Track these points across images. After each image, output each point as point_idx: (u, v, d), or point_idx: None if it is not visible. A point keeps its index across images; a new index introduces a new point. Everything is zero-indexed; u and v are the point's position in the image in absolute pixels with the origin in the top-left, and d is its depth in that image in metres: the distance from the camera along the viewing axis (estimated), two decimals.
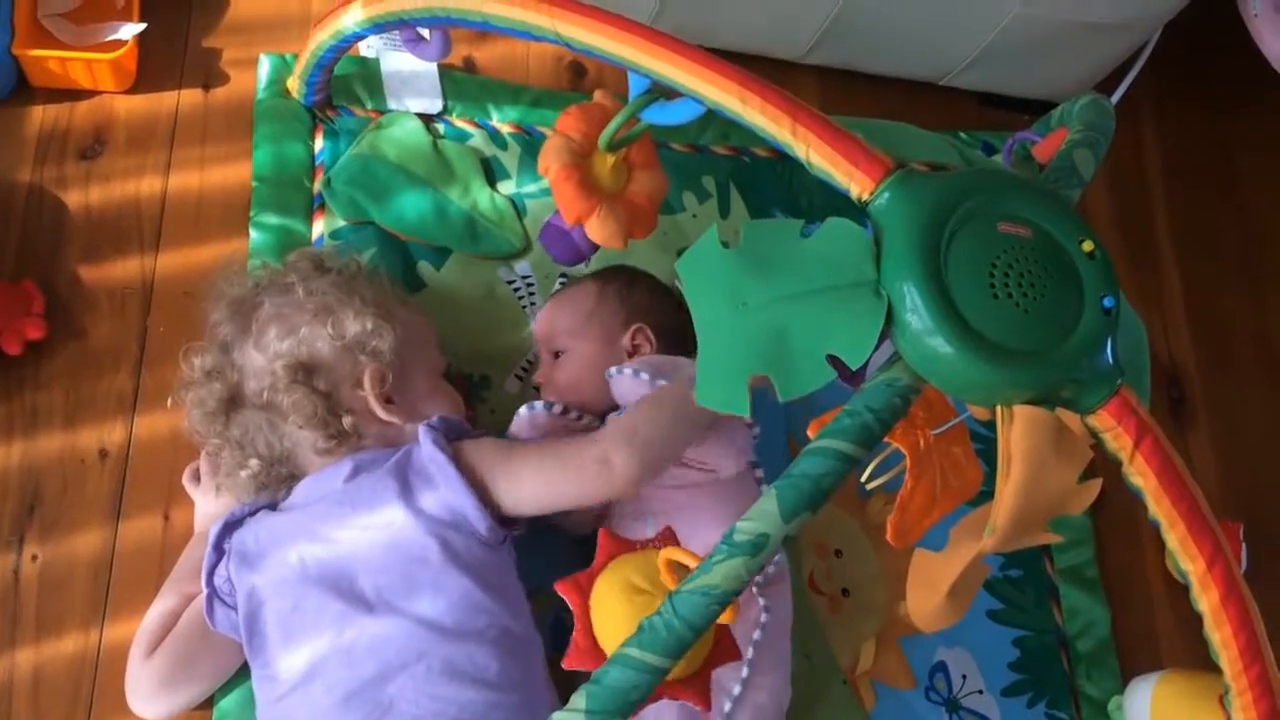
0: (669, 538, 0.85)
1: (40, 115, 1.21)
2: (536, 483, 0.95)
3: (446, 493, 0.93)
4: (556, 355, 1.12)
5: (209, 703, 1.01)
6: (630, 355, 1.10)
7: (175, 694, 0.98)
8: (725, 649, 0.81)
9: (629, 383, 1.03)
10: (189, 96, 1.25)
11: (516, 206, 1.27)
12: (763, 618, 1.01)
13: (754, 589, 1.01)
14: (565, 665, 0.80)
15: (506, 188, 1.28)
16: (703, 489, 1.04)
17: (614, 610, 0.79)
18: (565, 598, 0.82)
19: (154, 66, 1.25)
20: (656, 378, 1.02)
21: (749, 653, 0.99)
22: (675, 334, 1.10)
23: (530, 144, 1.30)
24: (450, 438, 0.96)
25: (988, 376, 0.74)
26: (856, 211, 0.80)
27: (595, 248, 1.05)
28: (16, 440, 1.08)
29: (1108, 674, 1.24)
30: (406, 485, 0.94)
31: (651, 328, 1.11)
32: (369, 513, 0.93)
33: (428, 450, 0.94)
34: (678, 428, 0.98)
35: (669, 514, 1.01)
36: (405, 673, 0.89)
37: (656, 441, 0.96)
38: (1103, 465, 0.79)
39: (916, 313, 0.74)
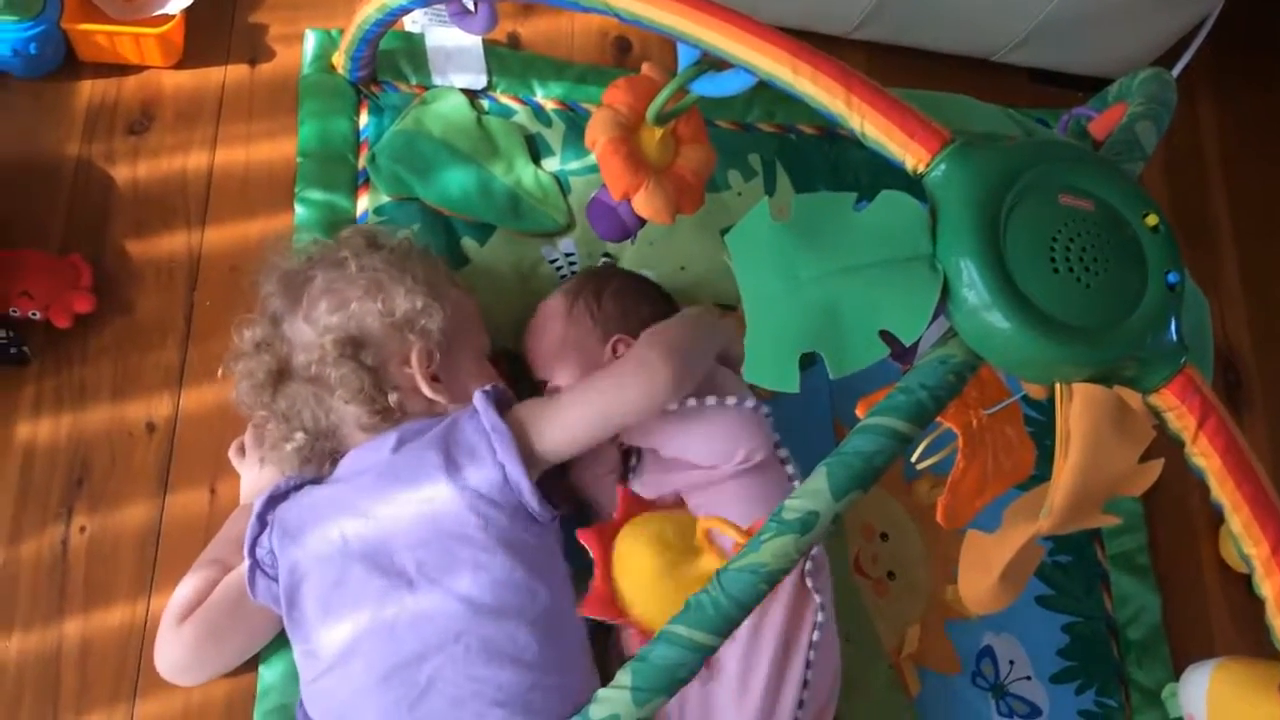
0: (681, 505, 0.86)
1: (88, 90, 1.22)
2: (582, 408, 0.95)
3: (497, 464, 0.91)
4: (544, 383, 1.10)
5: (254, 672, 1.02)
6: None
7: (202, 663, 0.99)
8: None
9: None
10: (235, 72, 1.26)
11: (560, 183, 1.26)
12: (819, 617, 0.98)
13: (807, 580, 0.98)
14: (581, 612, 0.80)
15: (551, 164, 1.27)
16: (727, 483, 1.01)
17: (643, 562, 0.80)
18: (586, 545, 0.82)
19: (201, 42, 1.26)
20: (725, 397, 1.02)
21: (810, 655, 0.97)
22: None
23: (574, 121, 1.29)
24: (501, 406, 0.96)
25: (1047, 353, 0.72)
26: (905, 189, 0.78)
27: (642, 223, 1.04)
28: (65, 413, 1.09)
29: (1159, 662, 1.22)
30: (450, 458, 0.92)
31: (630, 334, 1.07)
32: (412, 486, 0.92)
33: (489, 419, 0.93)
34: (702, 339, 1.00)
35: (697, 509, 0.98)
36: (443, 653, 0.88)
37: (686, 348, 0.97)
38: (1160, 448, 0.77)
39: (974, 287, 0.72)
